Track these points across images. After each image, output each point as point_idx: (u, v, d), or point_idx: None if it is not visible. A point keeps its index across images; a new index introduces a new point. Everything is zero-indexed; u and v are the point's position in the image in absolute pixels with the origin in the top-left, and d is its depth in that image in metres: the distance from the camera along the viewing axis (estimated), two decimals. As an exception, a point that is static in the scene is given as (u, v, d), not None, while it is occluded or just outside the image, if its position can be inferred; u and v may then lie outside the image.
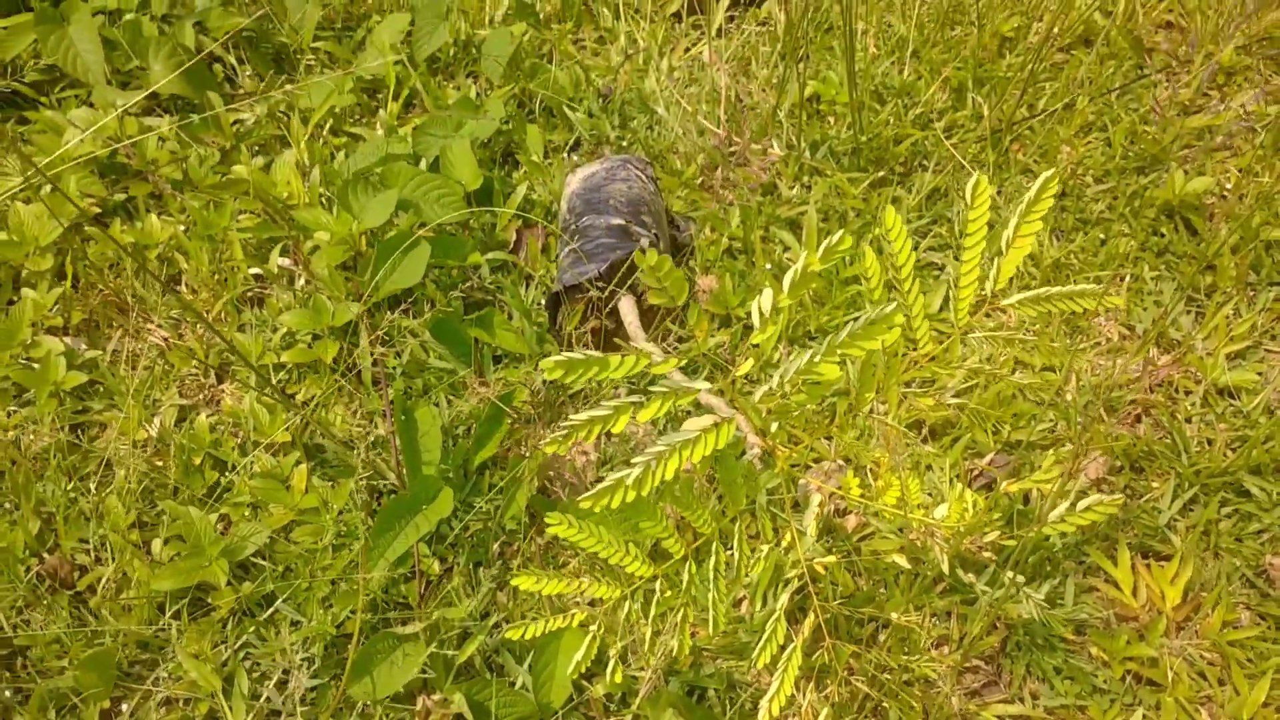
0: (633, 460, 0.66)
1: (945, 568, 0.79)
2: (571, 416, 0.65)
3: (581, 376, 0.64)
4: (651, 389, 0.67)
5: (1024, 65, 1.39)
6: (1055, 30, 1.48)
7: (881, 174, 1.28)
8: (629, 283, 1.07)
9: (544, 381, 1.04)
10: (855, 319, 0.67)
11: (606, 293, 1.05)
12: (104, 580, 0.92)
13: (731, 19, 1.56)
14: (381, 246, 1.05)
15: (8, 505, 0.98)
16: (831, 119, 1.36)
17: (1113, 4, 1.50)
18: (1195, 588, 0.95)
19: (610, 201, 1.12)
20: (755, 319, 0.67)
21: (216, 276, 1.17)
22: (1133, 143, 1.32)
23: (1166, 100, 1.36)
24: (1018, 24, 1.48)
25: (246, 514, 0.96)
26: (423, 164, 1.22)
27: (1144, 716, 0.87)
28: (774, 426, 0.75)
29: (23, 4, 1.48)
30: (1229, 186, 1.27)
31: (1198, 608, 0.94)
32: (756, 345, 0.67)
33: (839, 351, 0.68)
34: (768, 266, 1.17)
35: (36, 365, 1.06)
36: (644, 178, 1.17)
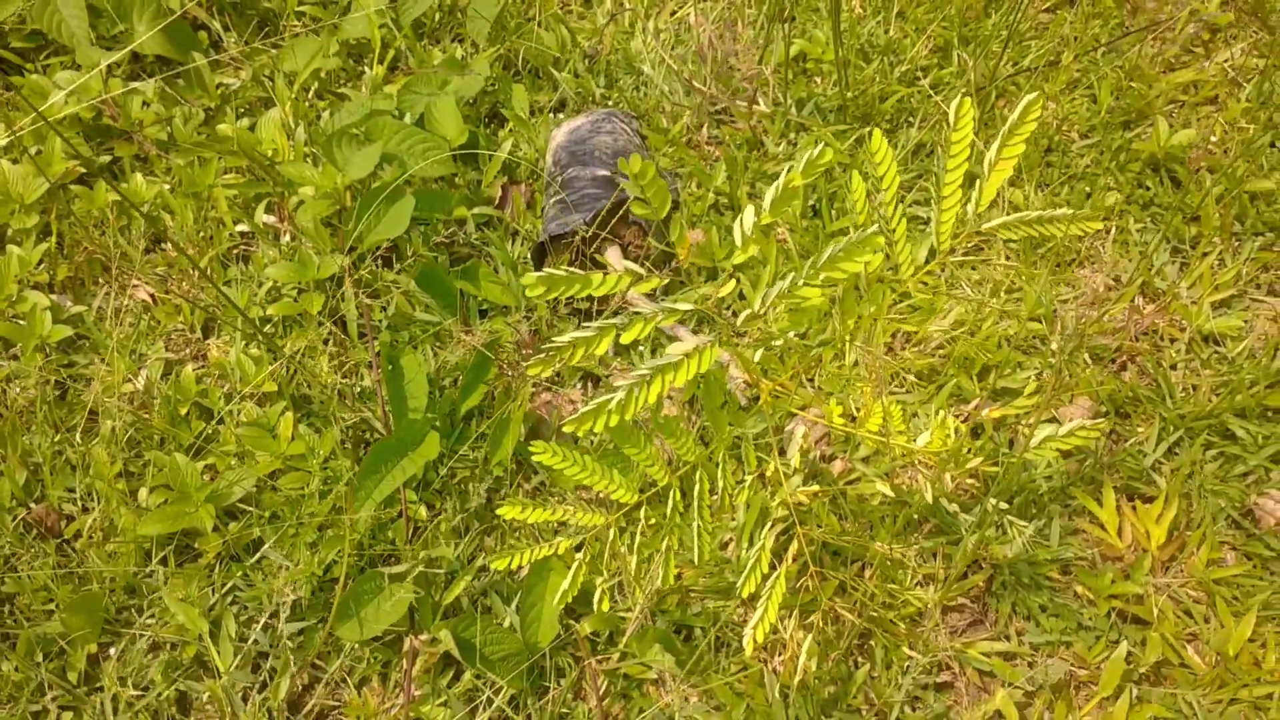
0: (616, 384, 0.67)
1: (929, 497, 0.79)
2: (555, 339, 0.66)
3: (564, 293, 0.65)
4: (634, 310, 0.67)
5: (1009, 22, 1.40)
6: (1041, -10, 1.49)
7: (868, 129, 1.28)
8: (615, 228, 1.07)
9: (528, 317, 1.05)
10: (838, 242, 0.67)
11: (592, 246, 1.06)
12: (90, 527, 0.93)
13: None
14: (365, 197, 1.06)
15: (-7, 456, 0.99)
16: (818, 78, 1.37)
17: (1098, -37, 1.51)
18: (1180, 527, 0.96)
19: (595, 154, 1.12)
20: (736, 237, 0.68)
21: (202, 234, 1.17)
22: (1118, 98, 1.33)
23: (1152, 57, 1.37)
24: (1005, -15, 1.49)
25: (233, 463, 0.96)
26: (408, 119, 1.23)
27: (1129, 652, 0.88)
28: (757, 355, 0.75)
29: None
30: (1214, 139, 1.28)
31: (1182, 547, 0.94)
32: (738, 267, 0.68)
33: (821, 275, 0.69)
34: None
35: (22, 320, 1.07)
36: (629, 130, 1.18)
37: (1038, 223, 0.72)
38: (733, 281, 0.70)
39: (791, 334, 0.76)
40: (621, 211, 1.06)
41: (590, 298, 1.09)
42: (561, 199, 1.08)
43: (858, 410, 0.80)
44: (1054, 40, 1.41)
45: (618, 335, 0.68)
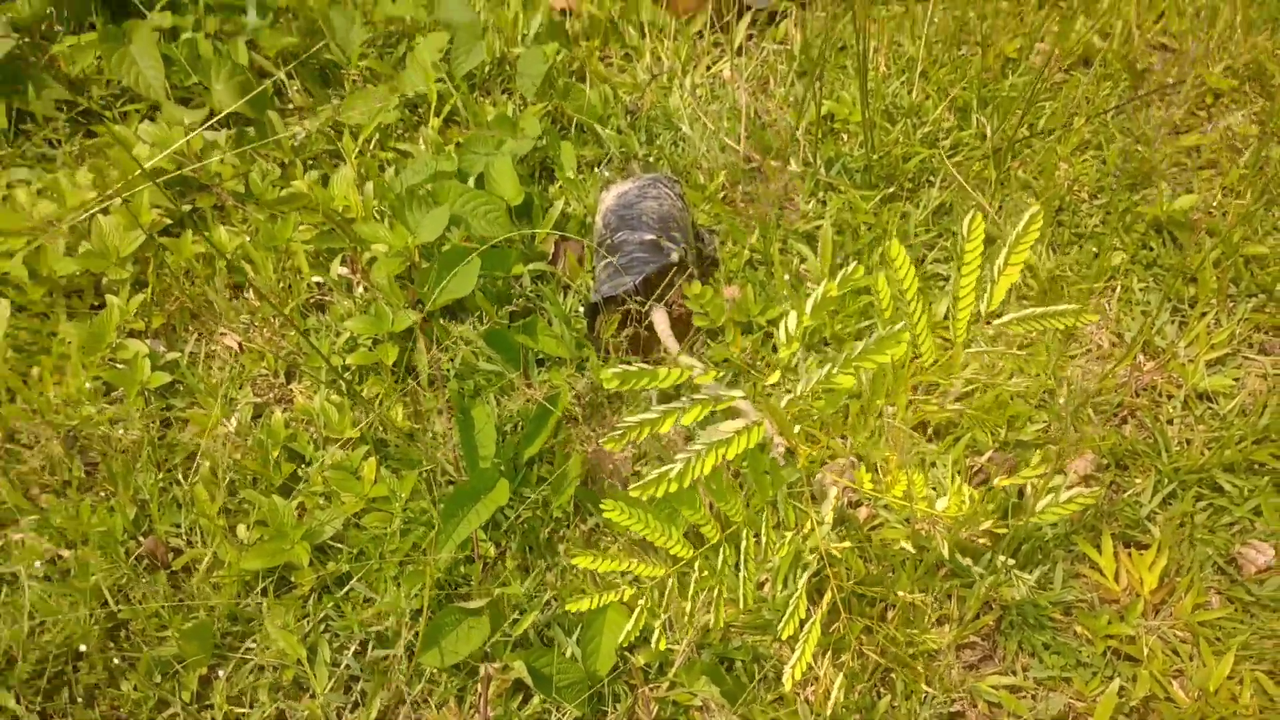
0: (676, 456, 0.79)
1: (945, 553, 0.91)
2: (625, 419, 0.78)
3: (635, 385, 0.76)
4: (694, 396, 0.79)
5: (1026, 86, 1.51)
6: (1055, 52, 1.60)
7: (891, 190, 1.40)
8: (661, 295, 1.19)
9: (588, 383, 1.17)
10: (869, 336, 0.79)
11: (645, 308, 1.17)
12: (197, 561, 1.05)
13: (750, 37, 1.68)
14: (440, 260, 1.18)
15: (106, 493, 1.11)
16: (845, 136, 1.48)
17: (1110, 26, 1.62)
18: (1171, 573, 1.07)
19: (643, 218, 1.24)
20: (781, 336, 0.80)
21: (281, 283, 1.29)
22: (1126, 161, 1.44)
23: (1159, 120, 1.48)
24: (1020, 44, 1.60)
25: (321, 502, 1.08)
26: (470, 181, 1.35)
27: (1121, 687, 1.00)
28: (796, 428, 0.87)
29: (90, 24, 1.60)
30: (1214, 204, 1.39)
31: (1172, 591, 1.06)
32: (782, 358, 0.79)
33: (854, 364, 0.81)
34: (785, 278, 1.29)
35: (123, 366, 1.19)
36: (672, 195, 1.29)
37: (1043, 317, 0.83)
38: (777, 372, 0.82)
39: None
40: (667, 276, 1.18)
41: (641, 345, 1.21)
42: (612, 262, 1.20)
43: (883, 473, 0.91)
44: (1068, 101, 1.52)
45: (679, 416, 0.80)
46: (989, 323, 0.81)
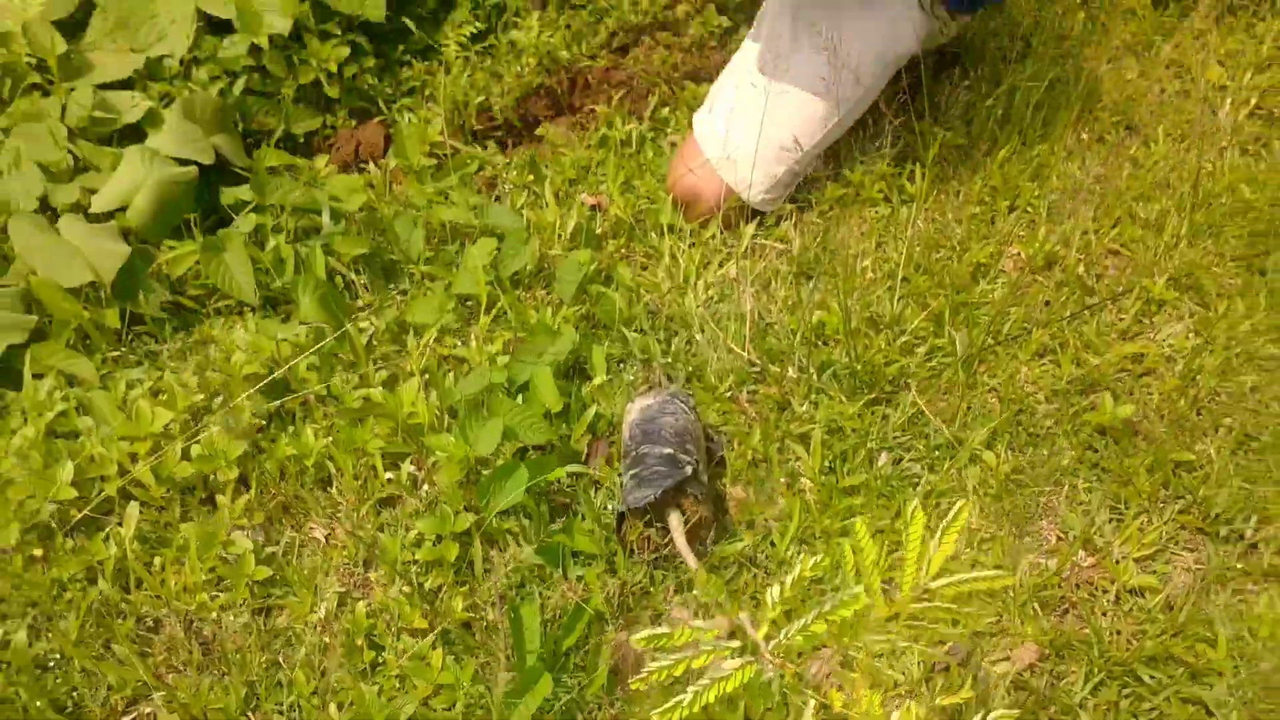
0: (688, 688, 1.03)
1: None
2: (650, 665, 1.02)
3: (663, 643, 1.01)
4: (701, 648, 1.03)
5: (997, 298, 1.77)
6: (1022, 255, 1.86)
7: (873, 395, 1.65)
8: (677, 502, 1.44)
9: (616, 581, 1.42)
10: (831, 597, 1.04)
11: (664, 515, 1.43)
12: (298, 736, 1.30)
13: (756, 236, 1.94)
14: (495, 473, 1.44)
15: (220, 673, 1.36)
16: (835, 343, 1.73)
17: (1070, 233, 1.87)
18: (1097, 753, 1.31)
19: (662, 432, 1.49)
20: (769, 600, 1.05)
21: (359, 480, 1.55)
22: (1077, 366, 1.69)
23: (1107, 327, 1.73)
24: (991, 251, 1.86)
25: (397, 684, 1.33)
26: (517, 387, 1.61)
27: None
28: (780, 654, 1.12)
29: (186, 230, 1.88)
30: (1151, 410, 1.63)
31: (1097, 769, 1.30)
32: (770, 615, 1.04)
33: (824, 617, 1.05)
34: (782, 480, 1.55)
35: (233, 560, 1.45)
36: (686, 408, 1.55)
37: (972, 583, 1.07)
38: (766, 626, 1.07)
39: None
40: (683, 487, 1.43)
41: (659, 544, 1.46)
42: (636, 473, 1.45)
43: (851, 693, 1.15)
44: (1030, 307, 1.77)
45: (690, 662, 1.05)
46: (926, 590, 1.06)
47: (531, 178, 2.07)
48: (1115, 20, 2.25)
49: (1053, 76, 2.11)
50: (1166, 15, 2.26)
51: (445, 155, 2.09)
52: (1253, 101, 2.09)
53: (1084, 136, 2.06)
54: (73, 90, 1.99)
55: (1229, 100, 2.10)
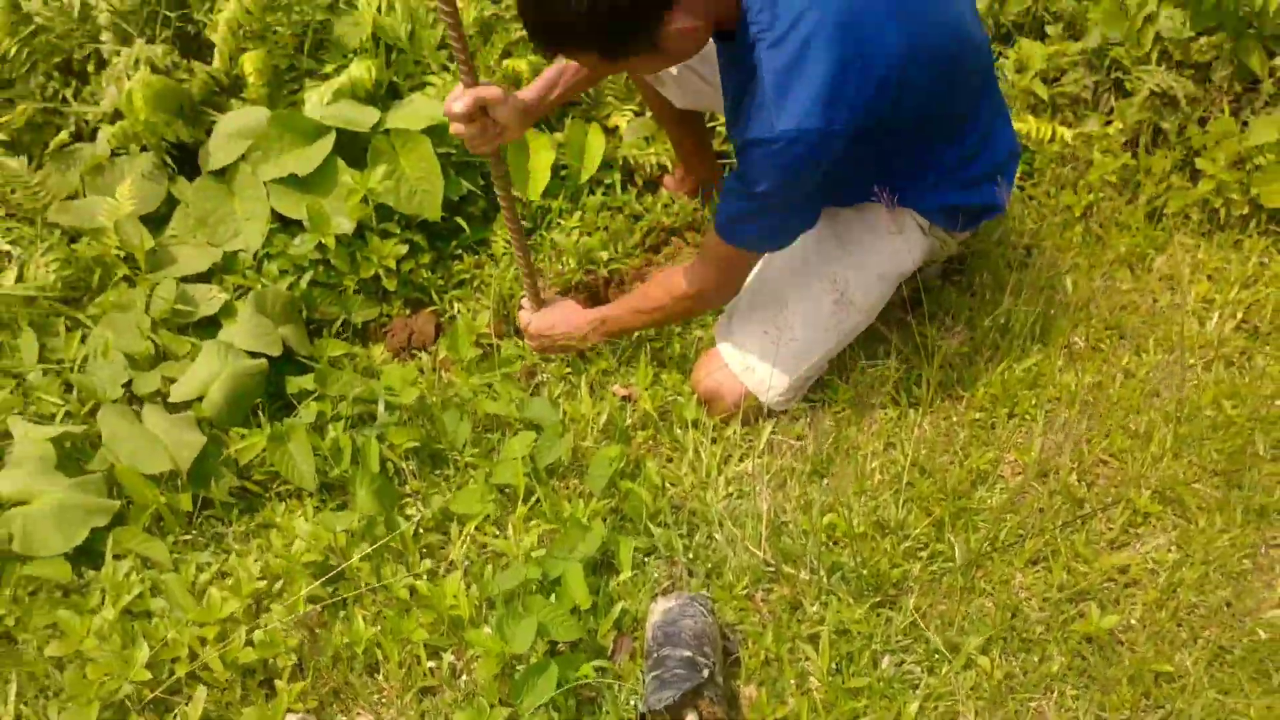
0: None
1: None
2: None
3: None
4: None
5: (996, 505, 1.93)
6: (1019, 463, 2.03)
7: (878, 598, 1.81)
8: (693, 698, 1.59)
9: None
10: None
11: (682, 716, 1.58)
12: None
13: (774, 435, 2.12)
14: (529, 672, 1.59)
15: None
16: (844, 545, 1.90)
17: (1064, 443, 2.04)
18: None
19: (682, 635, 1.65)
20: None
21: (403, 668, 1.72)
22: (1068, 574, 1.84)
23: (1095, 538, 1.89)
24: (991, 457, 2.03)
25: None
26: (550, 580, 1.78)
27: None
28: None
29: (254, 419, 2.09)
30: (1134, 620, 1.77)
31: None
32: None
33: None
34: (792, 681, 1.69)
35: (288, 745, 1.61)
36: (705, 611, 1.71)
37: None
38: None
39: None
40: (700, 690, 1.59)
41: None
42: (658, 675, 1.61)
43: None
44: (1025, 514, 1.93)
45: None
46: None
47: (569, 370, 2.27)
48: (1111, 232, 2.45)
49: (1052, 286, 2.31)
50: (1159, 229, 2.46)
51: (491, 345, 2.30)
52: (1239, 315, 2.28)
53: (1080, 345, 2.24)
54: (157, 285, 2.22)
55: (1216, 314, 2.29)
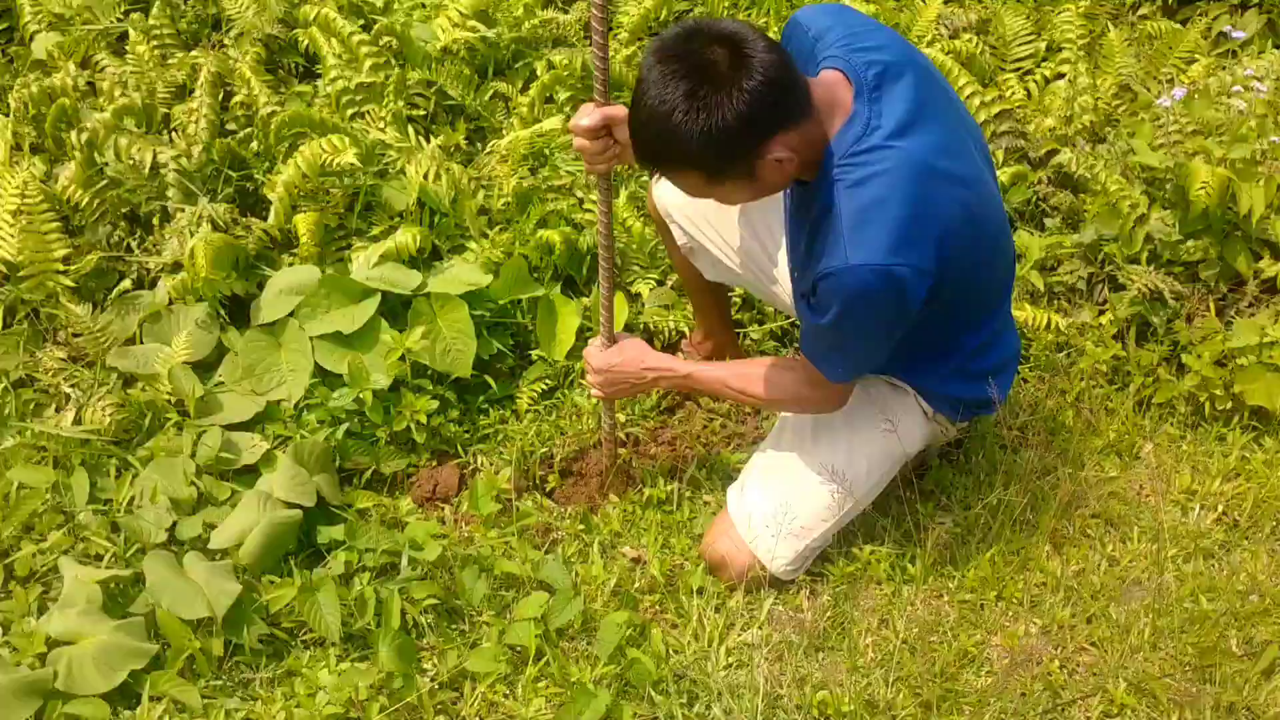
0: None
1: None
2: None
3: None
4: None
5: (978, 684, 2.05)
6: (1004, 647, 2.15)
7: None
8: None
9: None
10: None
11: None
12: None
13: (775, 605, 2.25)
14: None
15: None
16: (839, 721, 2.02)
17: (1049, 625, 2.17)
18: None
19: (677, 808, 1.77)
20: None
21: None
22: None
23: (1075, 726, 2.01)
24: (978, 639, 2.16)
25: None
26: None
27: None
28: None
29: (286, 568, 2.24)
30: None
31: None
32: None
33: None
34: None
35: None
36: (701, 784, 1.83)
37: None
38: None
39: None
40: None
41: None
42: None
43: None
44: (1008, 699, 2.05)
45: None
46: None
47: (582, 528, 2.42)
48: (1101, 419, 2.61)
49: (1043, 471, 2.47)
50: (1147, 418, 2.62)
51: (511, 499, 2.46)
52: (1219, 508, 2.42)
53: (1067, 531, 2.38)
54: (204, 432, 2.40)
55: (1198, 505, 2.43)
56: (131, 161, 2.76)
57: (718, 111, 1.68)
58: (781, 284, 2.41)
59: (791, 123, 1.75)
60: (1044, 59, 3.34)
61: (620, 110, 1.95)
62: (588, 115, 1.96)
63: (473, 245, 2.78)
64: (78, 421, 2.45)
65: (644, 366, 2.22)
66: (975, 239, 1.93)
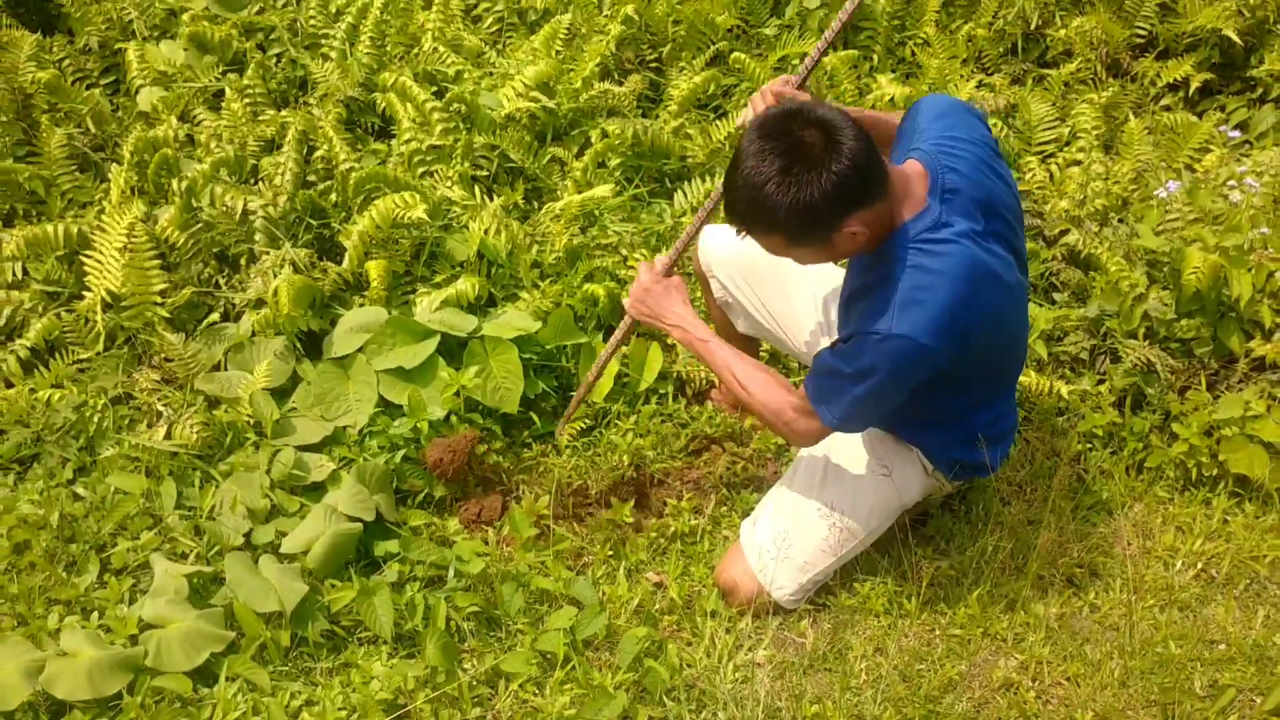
0: None
1: None
2: None
3: None
4: None
5: (958, 709, 2.35)
6: (987, 677, 2.45)
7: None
8: None
9: None
10: None
11: None
12: None
13: (780, 630, 2.57)
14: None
15: None
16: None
17: (1028, 662, 2.46)
18: None
19: (679, 793, 2.09)
20: None
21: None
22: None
23: (1043, 749, 2.30)
24: (962, 669, 2.46)
25: None
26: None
27: None
28: None
29: (345, 572, 2.60)
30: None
31: None
32: None
33: None
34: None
35: None
36: (702, 776, 2.15)
37: None
38: None
39: None
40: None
41: None
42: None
43: None
44: (985, 722, 2.35)
45: None
46: None
47: (611, 554, 2.76)
48: (1095, 479, 2.91)
49: (1037, 522, 2.77)
50: (1138, 480, 2.92)
51: (548, 526, 2.81)
52: (1199, 565, 2.71)
53: (1054, 577, 2.68)
54: (279, 451, 2.78)
55: (1180, 562, 2.72)
56: (224, 208, 3.17)
57: (807, 189, 2.01)
58: (806, 345, 2.77)
59: (869, 203, 2.08)
60: (1067, 143, 3.68)
61: (804, 96, 2.34)
62: (784, 83, 2.36)
63: (525, 295, 3.16)
64: (168, 437, 2.84)
65: (674, 309, 2.42)
66: (999, 335, 2.29)
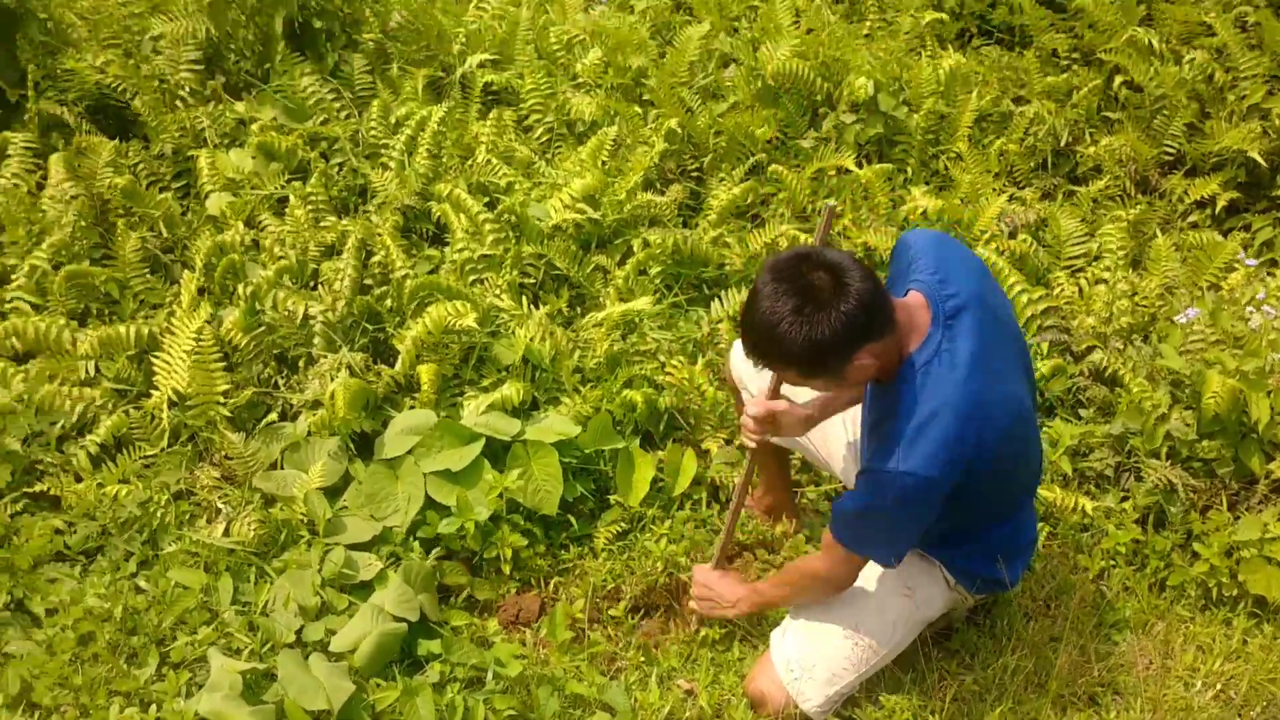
0: None
1: None
2: None
3: None
4: None
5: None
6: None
7: None
8: None
9: None
10: None
11: None
12: None
13: None
14: None
15: None
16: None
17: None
18: None
19: None
20: None
21: None
22: None
23: None
24: (983, 786, 2.54)
25: None
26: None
27: None
28: None
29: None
30: None
31: None
32: None
33: None
34: None
35: None
36: None
37: None
38: None
39: None
40: None
41: None
42: None
43: None
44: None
45: None
46: None
47: (643, 659, 2.88)
48: (1119, 596, 2.99)
49: (1060, 639, 2.85)
50: (1160, 599, 3.00)
51: (583, 629, 2.93)
52: (1218, 686, 2.78)
53: (1078, 694, 2.76)
54: (330, 550, 2.93)
55: (1200, 682, 2.79)
56: (286, 312, 3.37)
57: (818, 327, 2.16)
58: (834, 457, 2.90)
59: (877, 337, 2.23)
60: (1096, 257, 3.81)
61: (781, 404, 2.60)
62: (755, 407, 2.61)
63: (566, 399, 3.31)
64: (226, 533, 3.00)
65: (736, 598, 2.75)
66: (1008, 454, 2.40)
